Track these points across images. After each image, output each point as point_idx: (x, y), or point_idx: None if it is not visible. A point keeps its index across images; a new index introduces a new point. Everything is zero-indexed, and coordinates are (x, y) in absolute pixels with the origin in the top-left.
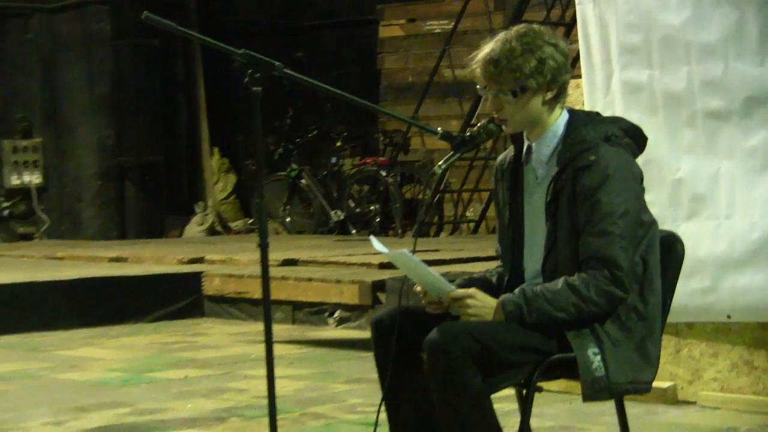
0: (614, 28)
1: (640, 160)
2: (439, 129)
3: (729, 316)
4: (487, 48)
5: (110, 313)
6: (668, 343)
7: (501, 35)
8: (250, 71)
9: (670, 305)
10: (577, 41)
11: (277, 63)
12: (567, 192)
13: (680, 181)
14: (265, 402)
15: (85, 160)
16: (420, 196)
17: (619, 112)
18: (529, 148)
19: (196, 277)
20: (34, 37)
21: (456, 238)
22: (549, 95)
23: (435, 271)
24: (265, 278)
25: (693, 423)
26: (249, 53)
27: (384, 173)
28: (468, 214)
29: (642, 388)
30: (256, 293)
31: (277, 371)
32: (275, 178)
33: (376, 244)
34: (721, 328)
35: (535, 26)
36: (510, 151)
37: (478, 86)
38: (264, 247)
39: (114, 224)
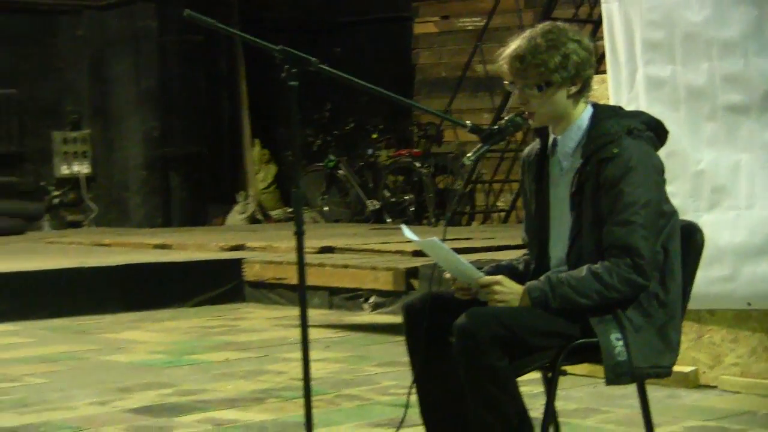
0: (638, 26)
1: (662, 153)
2: (468, 122)
3: (749, 303)
4: (514, 45)
5: (154, 297)
6: (690, 329)
7: (527, 32)
8: (286, 66)
9: (690, 292)
10: (602, 38)
11: (312, 59)
12: (591, 183)
13: (701, 173)
14: (301, 384)
15: (132, 151)
16: (453, 187)
17: (642, 106)
18: (555, 140)
19: (237, 263)
20: (83, 34)
21: (487, 227)
22: (573, 89)
23: (464, 258)
24: (301, 265)
25: (714, 406)
26: (285, 49)
27: (418, 164)
28: (499, 203)
29: (663, 373)
30: (294, 279)
31: (314, 354)
32: (314, 169)
33: (407, 232)
34: (741, 315)
35: (560, 23)
36: (536, 143)
37: (505, 81)
38: (300, 235)
39: (159, 212)
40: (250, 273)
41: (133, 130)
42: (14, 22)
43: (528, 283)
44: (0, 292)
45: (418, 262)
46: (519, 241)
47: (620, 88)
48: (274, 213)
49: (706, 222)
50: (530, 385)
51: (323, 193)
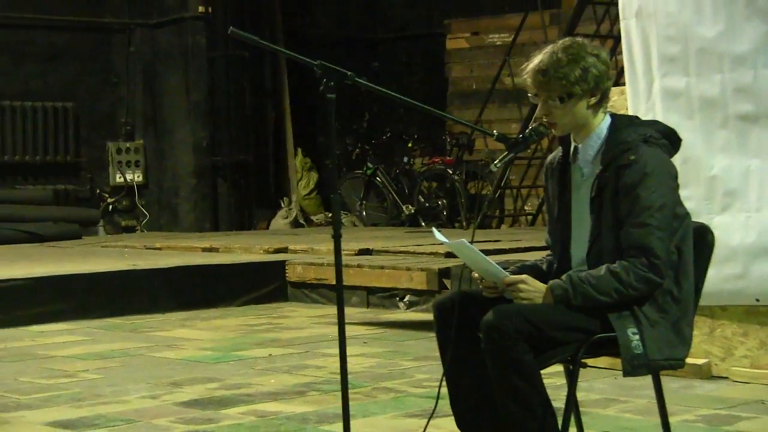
0: (655, 41)
1: (677, 159)
2: (495, 131)
3: (758, 300)
4: (536, 59)
5: (203, 297)
6: (703, 323)
7: (549, 48)
8: (325, 80)
9: (701, 289)
10: (621, 53)
11: (349, 72)
12: (610, 188)
13: (714, 178)
14: (340, 377)
15: (182, 159)
16: (483, 192)
17: (659, 116)
18: (576, 148)
19: (281, 265)
20: (136, 50)
21: (516, 229)
22: (593, 100)
23: (491, 259)
24: (339, 266)
25: (725, 396)
26: (324, 64)
27: (450, 171)
28: (526, 207)
29: (677, 365)
30: (334, 279)
31: (352, 350)
32: (353, 176)
33: (438, 235)
34: (750, 311)
35: (579, 39)
36: (558, 151)
37: (529, 94)
38: (337, 239)
39: (207, 218)
40: (293, 274)
41: (183, 140)
42: (72, 40)
43: (551, 282)
44: (57, 293)
45: (450, 263)
46: (543, 243)
47: (638, 98)
48: (316, 218)
49: (719, 224)
50: (553, 377)
51: (362, 198)
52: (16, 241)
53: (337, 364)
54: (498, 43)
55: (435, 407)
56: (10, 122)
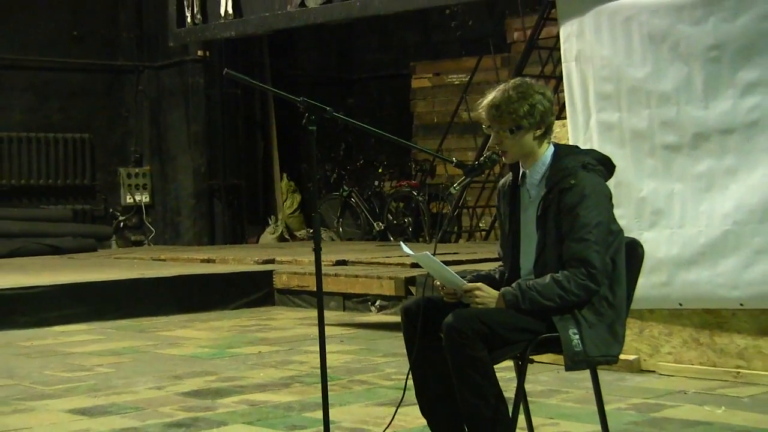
0: (592, 80)
1: (611, 183)
2: (454, 159)
3: (680, 304)
4: (490, 96)
5: (201, 302)
6: (633, 324)
7: (501, 86)
8: (307, 114)
9: (633, 295)
10: (563, 91)
11: (328, 108)
12: (553, 208)
13: (643, 199)
14: (320, 371)
15: (183, 183)
16: (443, 211)
17: (595, 145)
18: (524, 173)
19: (269, 274)
20: (144, 88)
21: (471, 243)
22: (538, 132)
23: (451, 269)
24: (319, 275)
25: (653, 387)
26: (306, 100)
27: (415, 193)
28: (481, 224)
29: (611, 360)
30: (314, 287)
31: (330, 348)
32: (331, 197)
33: (405, 248)
34: (674, 313)
35: (527, 79)
36: (509, 176)
37: (483, 126)
38: (317, 251)
39: (205, 233)
40: (279, 282)
41: (184, 166)
42: (88, 80)
43: (503, 289)
44: (76, 298)
45: (415, 272)
46: (496, 255)
47: (577, 130)
48: (299, 233)
49: (647, 238)
50: (505, 372)
51: (338, 216)
52: (40, 254)
53: (318, 360)
54: (456, 82)
55: (402, 397)
56: (36, 151)
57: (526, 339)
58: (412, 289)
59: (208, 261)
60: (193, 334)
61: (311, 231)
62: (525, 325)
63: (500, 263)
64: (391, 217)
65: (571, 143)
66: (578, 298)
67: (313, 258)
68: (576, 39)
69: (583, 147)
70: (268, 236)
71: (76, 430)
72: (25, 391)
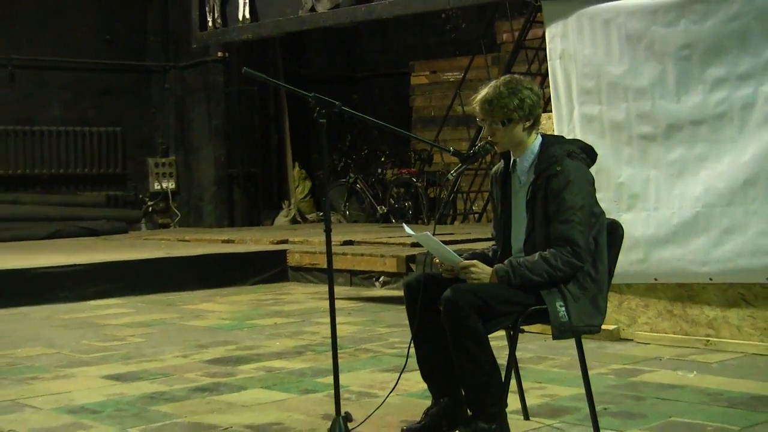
0: (575, 77)
1: (593, 169)
2: (451, 148)
3: (656, 279)
4: (483, 92)
5: (222, 278)
6: (613, 297)
7: (493, 83)
8: (317, 108)
9: (613, 271)
10: (549, 86)
11: (336, 102)
12: (541, 193)
13: (621, 184)
14: (330, 341)
15: (205, 171)
16: (440, 196)
17: (578, 136)
18: (515, 161)
19: (283, 253)
20: (170, 86)
21: (465, 225)
22: (527, 124)
23: (449, 247)
24: (329, 253)
25: (631, 354)
26: (317, 96)
27: (415, 180)
28: (474, 208)
29: (594, 330)
30: (324, 264)
31: (339, 319)
32: (338, 184)
33: (407, 229)
34: (650, 288)
35: (516, 76)
36: (501, 164)
37: (477, 119)
38: (327, 232)
39: (225, 216)
40: (292, 260)
41: (206, 156)
42: (120, 79)
43: (496, 266)
44: (110, 275)
45: (414, 251)
46: (489, 235)
47: (562, 122)
48: (310, 216)
49: (625, 220)
50: (497, 341)
51: (345, 201)
52: (77, 236)
53: (328, 331)
54: (451, 79)
55: (405, 364)
56: (72, 143)
57: (517, 311)
58: (413, 266)
59: (227, 241)
60: (214, 307)
61: (321, 214)
62: (516, 299)
63: (493, 242)
64: (392, 202)
65: (556, 134)
66: (564, 273)
67: (323, 238)
68: (560, 39)
69: (567, 137)
70: (281, 219)
71: (110, 393)
72: (64, 359)
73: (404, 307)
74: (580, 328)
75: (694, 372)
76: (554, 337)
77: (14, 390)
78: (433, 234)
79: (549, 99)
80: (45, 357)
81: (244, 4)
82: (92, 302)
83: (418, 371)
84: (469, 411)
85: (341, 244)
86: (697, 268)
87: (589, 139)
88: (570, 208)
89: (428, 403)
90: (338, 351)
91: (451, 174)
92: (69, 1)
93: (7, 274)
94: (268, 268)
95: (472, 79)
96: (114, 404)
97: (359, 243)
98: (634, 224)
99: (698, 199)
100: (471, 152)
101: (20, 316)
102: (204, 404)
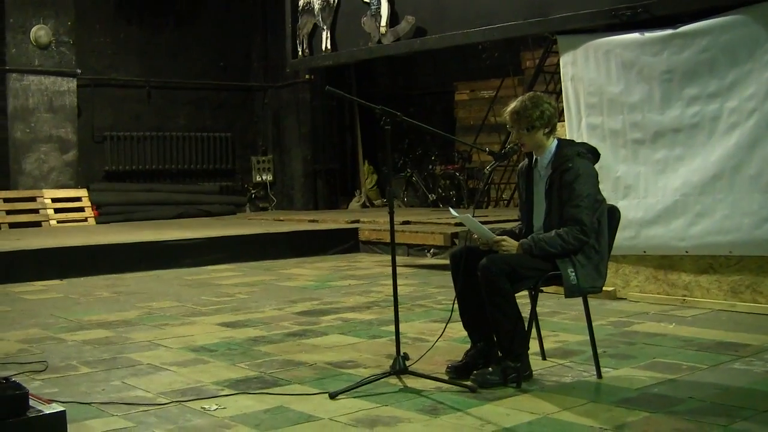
0: (582, 95)
1: (597, 166)
2: (487, 148)
3: (644, 252)
4: (512, 105)
5: (309, 250)
6: (612, 266)
7: (519, 98)
8: (383, 118)
9: (612, 245)
10: (562, 102)
11: (398, 113)
12: (556, 184)
13: (618, 178)
14: (392, 298)
15: (295, 167)
16: (478, 187)
17: (585, 140)
18: (536, 159)
19: (355, 230)
20: (268, 102)
21: (498, 209)
22: (546, 130)
23: (484, 226)
24: (392, 230)
25: (625, 310)
26: (383, 108)
27: (458, 174)
28: (503, 196)
29: (597, 291)
30: (388, 239)
31: (399, 282)
32: (398, 177)
33: (452, 212)
34: (640, 258)
35: (538, 93)
36: (525, 161)
37: (507, 126)
38: (391, 214)
39: (310, 202)
40: (362, 235)
41: (296, 156)
42: (231, 96)
43: (521, 240)
44: (223, 246)
45: (457, 229)
46: (515, 217)
47: (572, 129)
48: (376, 202)
49: (621, 206)
50: (522, 299)
51: (404, 190)
52: (197, 216)
53: (390, 290)
54: (486, 96)
55: (450, 317)
56: (194, 145)
57: (537, 275)
58: (456, 241)
59: (312, 221)
60: (303, 272)
61: (385, 200)
62: (537, 266)
63: (519, 222)
64: (440, 191)
65: (568, 138)
66: (574, 246)
67: (386, 219)
68: (571, 66)
69: (577, 141)
70: (354, 204)
71: (223, 336)
72: (188, 310)
73: (449, 272)
74: (586, 289)
75: (674, 323)
76: (566, 296)
77: (151, 333)
78: (473, 216)
79: (563, 111)
80: (173, 308)
81: (326, 38)
82: (209, 267)
83: (460, 322)
84: (499, 352)
85: (401, 224)
86: (677, 243)
87: (593, 143)
88: (579, 196)
89: (468, 346)
90: (398, 306)
91: (487, 169)
92: (192, 37)
93: (145, 245)
94: (344, 242)
95: (502, 96)
96: (225, 345)
97: (415, 223)
98: (628, 209)
99: (677, 190)
100: (502, 152)
101: (154, 277)
102: (295, 346)
